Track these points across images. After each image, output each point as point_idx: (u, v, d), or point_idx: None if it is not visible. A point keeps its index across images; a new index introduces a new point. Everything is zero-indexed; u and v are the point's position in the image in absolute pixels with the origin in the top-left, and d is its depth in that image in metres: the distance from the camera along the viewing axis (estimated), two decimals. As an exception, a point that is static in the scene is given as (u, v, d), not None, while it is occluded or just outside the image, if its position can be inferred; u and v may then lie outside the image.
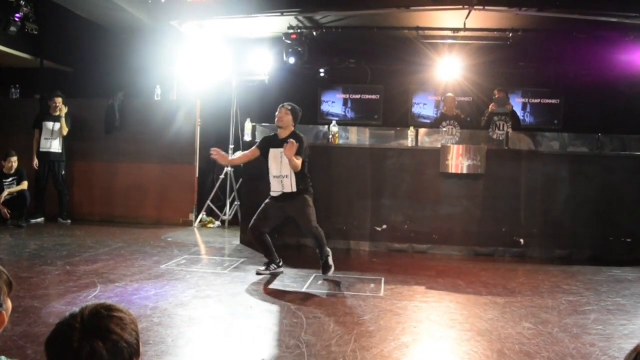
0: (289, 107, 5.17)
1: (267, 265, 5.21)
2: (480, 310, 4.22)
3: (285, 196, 5.04)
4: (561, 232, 6.48)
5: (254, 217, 5.14)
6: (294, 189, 4.99)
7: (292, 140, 4.84)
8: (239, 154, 5.70)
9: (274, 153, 5.07)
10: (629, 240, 6.39)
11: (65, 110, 7.85)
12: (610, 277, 5.54)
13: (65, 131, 7.83)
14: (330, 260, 5.11)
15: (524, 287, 5.03)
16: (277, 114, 5.18)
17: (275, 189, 5.05)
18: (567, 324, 3.92)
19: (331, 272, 5.09)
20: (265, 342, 3.44)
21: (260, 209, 5.16)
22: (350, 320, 3.88)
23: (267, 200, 5.17)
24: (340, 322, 3.84)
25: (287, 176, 4.98)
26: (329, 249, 5.15)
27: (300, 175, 5.01)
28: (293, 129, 5.15)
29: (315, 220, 5.07)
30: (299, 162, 4.89)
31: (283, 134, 5.11)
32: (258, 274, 5.14)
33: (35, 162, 7.81)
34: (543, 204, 6.53)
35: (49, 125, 7.83)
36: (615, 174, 6.48)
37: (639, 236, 6.38)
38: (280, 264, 5.25)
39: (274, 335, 3.53)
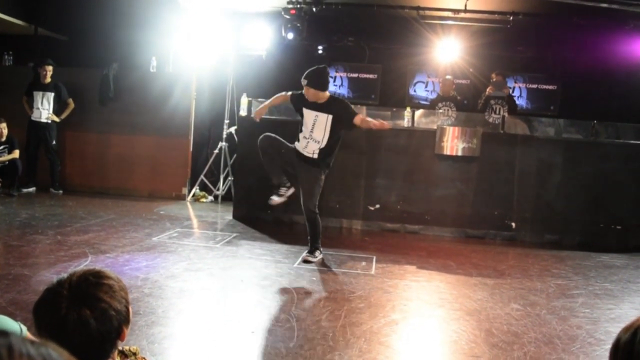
0: (305, 82, 4.75)
1: (278, 191, 4.96)
2: (469, 291, 4.25)
3: (304, 157, 4.81)
4: (552, 217, 6.52)
5: (270, 135, 4.87)
6: (315, 155, 4.76)
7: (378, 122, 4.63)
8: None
9: (308, 113, 4.78)
10: (618, 227, 6.43)
11: (56, 118, 7.80)
12: (599, 262, 5.60)
13: (57, 119, 7.81)
14: (316, 257, 4.87)
15: (514, 270, 5.07)
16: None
17: (300, 146, 4.82)
18: (555, 307, 3.96)
19: (309, 262, 4.80)
20: (256, 315, 3.46)
21: (281, 139, 4.89)
22: (340, 297, 3.90)
23: (290, 145, 4.89)
24: (330, 298, 3.86)
25: (317, 141, 4.74)
26: (320, 247, 4.93)
27: (330, 146, 4.76)
28: (328, 94, 4.80)
29: (317, 202, 4.86)
30: (358, 119, 4.65)
31: (318, 100, 4.77)
32: (273, 201, 4.95)
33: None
34: (535, 188, 6.56)
35: (39, 94, 7.73)
36: (609, 161, 6.50)
37: (629, 223, 6.43)
38: (289, 185, 4.99)
39: (265, 309, 3.55)
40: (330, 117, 4.71)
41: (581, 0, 6.94)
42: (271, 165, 4.96)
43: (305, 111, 4.83)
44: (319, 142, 4.76)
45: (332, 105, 4.76)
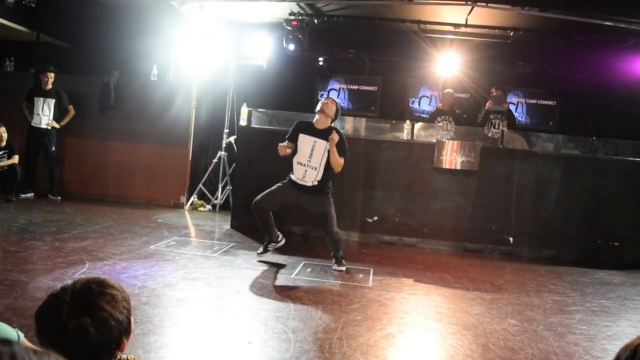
0: (335, 100, 5.10)
1: (266, 246, 5.18)
2: (466, 305, 4.25)
3: (305, 188, 4.94)
4: (550, 233, 6.53)
5: (262, 195, 5.00)
6: (315, 182, 4.90)
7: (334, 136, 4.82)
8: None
9: (305, 139, 4.91)
10: (616, 243, 6.44)
11: (56, 125, 7.82)
12: (596, 279, 5.60)
13: (57, 125, 7.83)
14: (344, 265, 5.08)
15: (511, 285, 5.07)
16: (323, 101, 5.02)
17: (297, 176, 4.93)
18: (552, 323, 3.95)
19: (343, 268, 5.04)
20: (252, 326, 3.45)
21: (272, 189, 5.02)
22: (337, 309, 3.89)
23: (284, 182, 5.03)
24: (327, 309, 3.85)
25: (315, 168, 4.88)
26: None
27: (326, 171, 4.91)
28: (332, 123, 5.02)
29: (336, 222, 5.02)
30: (341, 160, 4.86)
31: (321, 124, 4.95)
32: (260, 254, 5.16)
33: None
34: (534, 203, 6.57)
35: (40, 100, 7.74)
36: (607, 178, 6.52)
37: (626, 240, 6.44)
38: (280, 239, 5.20)
39: (261, 320, 3.54)
40: (328, 144, 4.85)
41: (581, 17, 7.00)
42: (267, 225, 5.11)
43: (303, 137, 4.93)
44: (316, 169, 4.88)
45: (335, 132, 4.89)
